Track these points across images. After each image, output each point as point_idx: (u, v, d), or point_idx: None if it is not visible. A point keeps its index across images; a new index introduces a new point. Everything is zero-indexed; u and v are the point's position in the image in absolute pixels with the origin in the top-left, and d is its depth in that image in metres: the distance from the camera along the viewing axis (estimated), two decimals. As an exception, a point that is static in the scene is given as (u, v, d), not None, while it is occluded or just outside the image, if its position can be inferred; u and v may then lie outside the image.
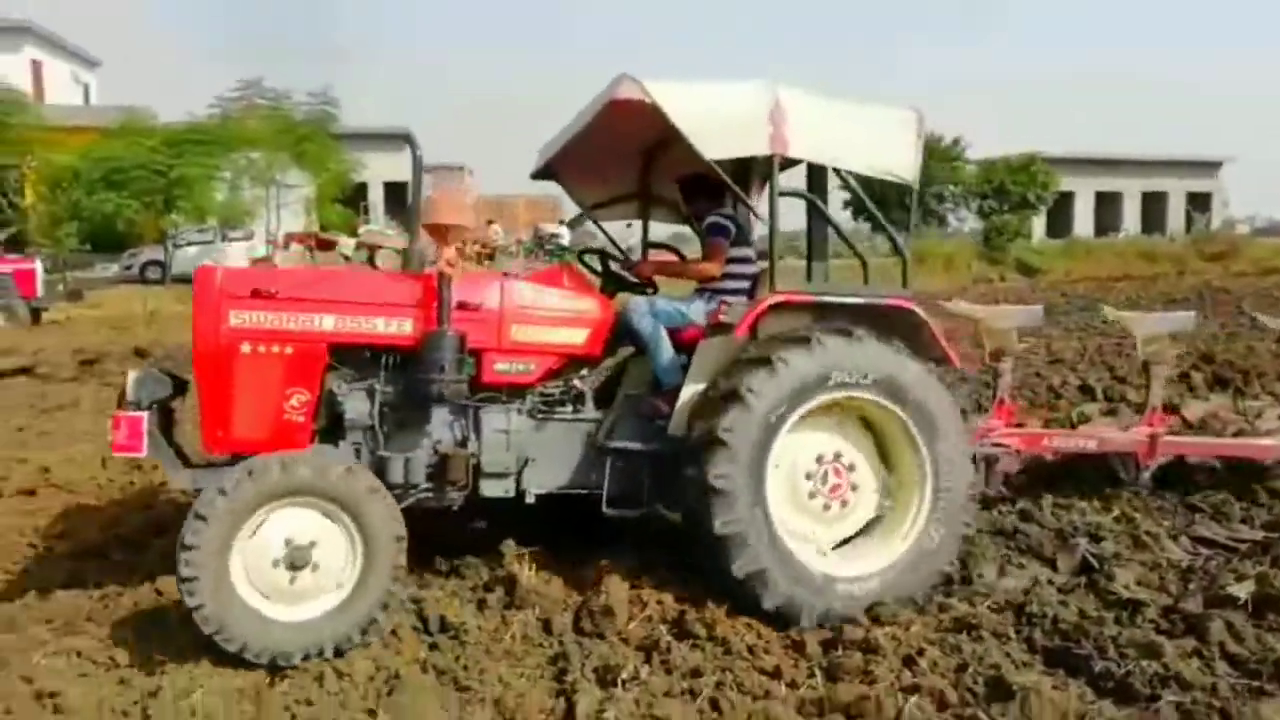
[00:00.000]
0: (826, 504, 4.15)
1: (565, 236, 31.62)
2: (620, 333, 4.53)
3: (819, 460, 4.13)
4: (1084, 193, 46.67)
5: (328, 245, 36.27)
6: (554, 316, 4.30)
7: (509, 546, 4.39)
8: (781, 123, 4.01)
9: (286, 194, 29.55)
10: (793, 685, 3.44)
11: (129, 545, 4.85)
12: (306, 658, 3.50)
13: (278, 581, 3.54)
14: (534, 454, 4.26)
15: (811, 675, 3.51)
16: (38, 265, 20.32)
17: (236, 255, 28.94)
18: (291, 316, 3.93)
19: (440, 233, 3.96)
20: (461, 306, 4.05)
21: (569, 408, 4.35)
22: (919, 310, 4.26)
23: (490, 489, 4.19)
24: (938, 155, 38.71)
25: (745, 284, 4.66)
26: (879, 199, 4.50)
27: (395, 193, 41.00)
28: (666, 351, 4.42)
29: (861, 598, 3.97)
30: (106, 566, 4.54)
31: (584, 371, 4.45)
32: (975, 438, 5.20)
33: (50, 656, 3.62)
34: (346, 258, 35.09)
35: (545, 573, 4.28)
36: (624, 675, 3.46)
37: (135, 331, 16.78)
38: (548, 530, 4.58)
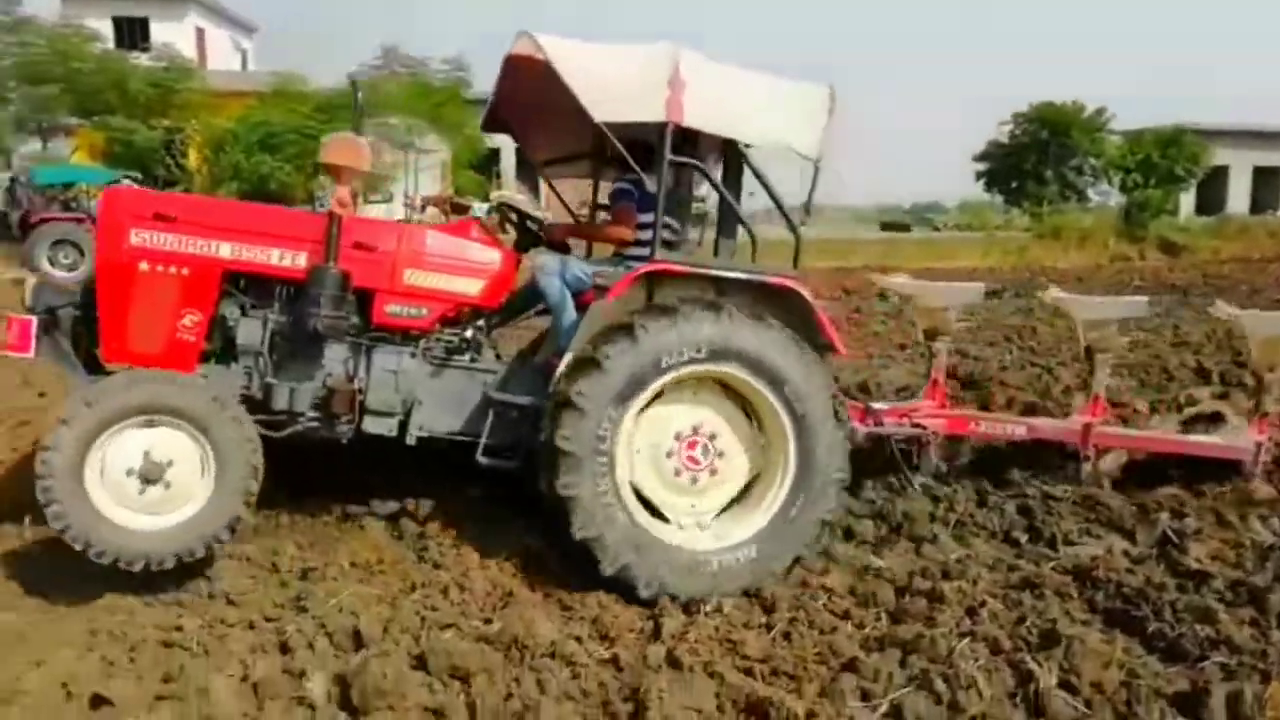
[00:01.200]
0: (695, 477, 4.25)
1: (480, 209, 31.84)
2: (531, 290, 4.72)
3: (677, 437, 4.21)
4: (1241, 167, 43.85)
5: (461, 209, 37.62)
6: (450, 265, 4.38)
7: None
8: (680, 90, 4.00)
9: (423, 159, 30.74)
10: (860, 626, 3.79)
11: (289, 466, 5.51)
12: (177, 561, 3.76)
13: (133, 494, 3.73)
14: (422, 397, 4.37)
15: (879, 619, 3.86)
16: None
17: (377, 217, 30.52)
18: (190, 240, 4.10)
19: (334, 172, 4.15)
20: (357, 246, 4.21)
21: (465, 356, 4.47)
22: (803, 290, 4.28)
23: (374, 426, 4.32)
24: (1079, 126, 37.17)
25: (644, 250, 4.51)
26: None
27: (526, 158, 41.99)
28: (569, 314, 4.52)
29: (739, 567, 4.07)
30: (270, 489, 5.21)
31: (480, 322, 4.57)
32: (898, 416, 5.31)
33: (224, 560, 4.30)
34: (520, 221, 36.35)
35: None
36: (707, 606, 3.89)
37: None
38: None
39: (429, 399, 4.39)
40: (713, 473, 4.26)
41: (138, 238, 4.08)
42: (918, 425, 5.33)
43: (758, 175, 4.45)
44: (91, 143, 27.27)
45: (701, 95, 4.05)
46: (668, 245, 4.60)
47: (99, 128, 27.08)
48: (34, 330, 4.00)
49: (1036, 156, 37.94)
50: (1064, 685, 3.18)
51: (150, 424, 3.76)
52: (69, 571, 3.84)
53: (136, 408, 3.73)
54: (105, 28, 33.23)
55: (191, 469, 3.81)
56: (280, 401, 4.20)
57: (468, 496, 4.92)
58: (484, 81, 31.82)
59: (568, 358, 4.11)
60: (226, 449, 3.80)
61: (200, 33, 38.62)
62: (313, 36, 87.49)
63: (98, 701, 3.06)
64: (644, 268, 4.17)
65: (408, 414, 4.37)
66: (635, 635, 3.71)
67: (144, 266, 4.07)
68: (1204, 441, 5.57)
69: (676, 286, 4.20)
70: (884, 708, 3.12)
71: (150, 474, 3.75)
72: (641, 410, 4.12)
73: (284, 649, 3.44)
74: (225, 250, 4.15)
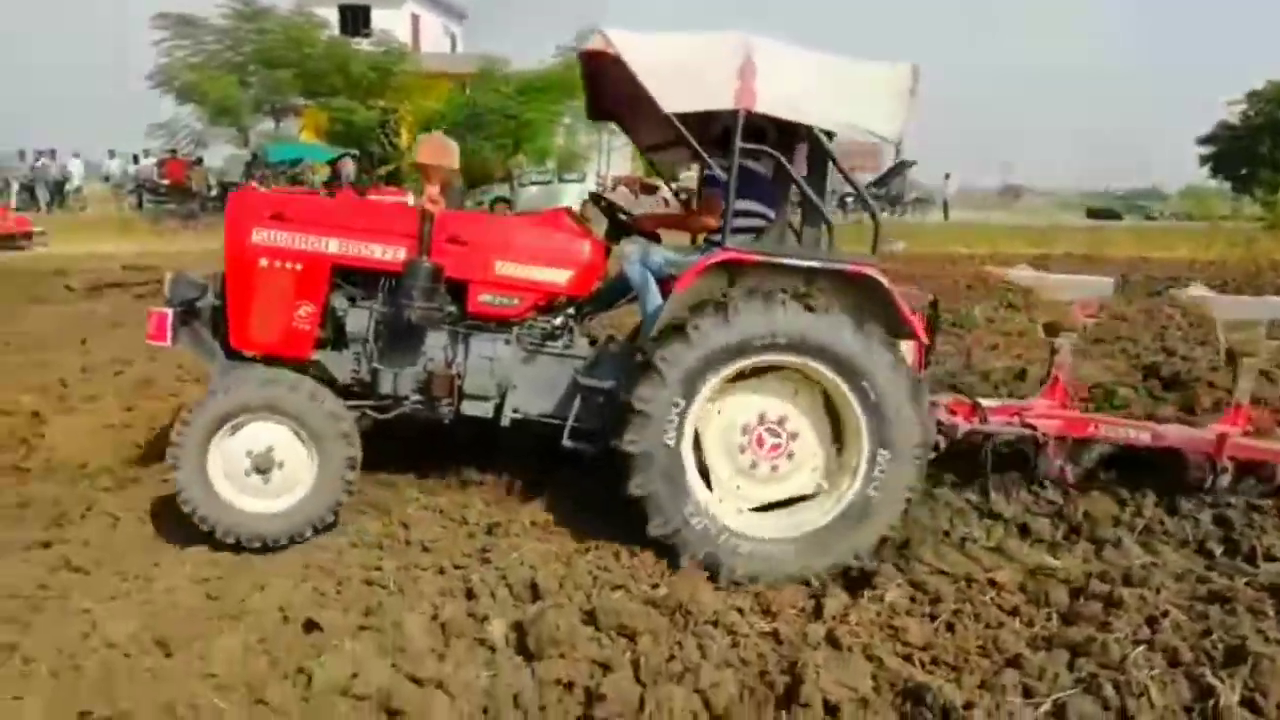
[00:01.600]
0: (754, 462, 4.25)
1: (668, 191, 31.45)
2: (621, 279, 4.78)
3: (761, 419, 4.23)
4: None
5: (650, 189, 38.24)
6: (540, 255, 4.55)
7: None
8: (751, 76, 3.96)
9: (616, 139, 31.42)
10: (1028, 623, 3.71)
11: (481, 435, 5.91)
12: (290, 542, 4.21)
13: (249, 480, 4.19)
14: (516, 381, 4.57)
15: (1049, 619, 3.76)
16: (409, 198, 23.43)
17: (571, 196, 31.47)
18: (303, 238, 4.42)
19: (425, 172, 4.32)
20: (452, 240, 4.44)
21: (557, 342, 4.62)
22: (880, 277, 4.14)
23: (471, 409, 4.56)
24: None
25: (748, 237, 4.60)
26: None
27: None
28: (654, 299, 4.56)
29: (766, 558, 4.08)
30: (462, 452, 5.60)
31: (571, 310, 4.69)
32: (1008, 415, 5.04)
33: (418, 509, 4.69)
34: (667, 202, 36.93)
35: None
36: (869, 590, 3.92)
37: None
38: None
39: (523, 384, 4.59)
40: (774, 468, 4.28)
41: (258, 236, 4.42)
42: (1028, 425, 5.05)
43: (834, 160, 4.35)
44: (316, 122, 29.52)
45: (774, 81, 4.01)
46: (758, 232, 4.64)
47: (323, 108, 29.24)
48: (170, 322, 4.36)
49: (1272, 140, 34.60)
50: (1247, 704, 3.02)
51: (263, 419, 4.19)
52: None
53: (249, 406, 4.18)
54: (332, 15, 35.79)
55: (298, 461, 4.23)
56: (385, 386, 4.51)
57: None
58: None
59: (656, 326, 4.20)
60: (326, 444, 4.21)
61: (415, 19, 40.90)
62: (519, 18, 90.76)
63: (310, 626, 3.45)
64: (713, 257, 4.18)
65: (502, 398, 4.58)
66: (796, 613, 3.79)
67: (264, 262, 4.42)
68: None
69: (755, 275, 4.19)
70: (1047, 706, 3.06)
71: (262, 464, 4.19)
72: (734, 384, 4.21)
73: (469, 594, 3.75)
74: (333, 246, 4.45)
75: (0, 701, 2.96)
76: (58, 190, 28.84)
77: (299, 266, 4.44)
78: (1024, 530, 4.68)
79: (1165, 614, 3.67)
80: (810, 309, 4.07)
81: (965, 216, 34.34)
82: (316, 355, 4.57)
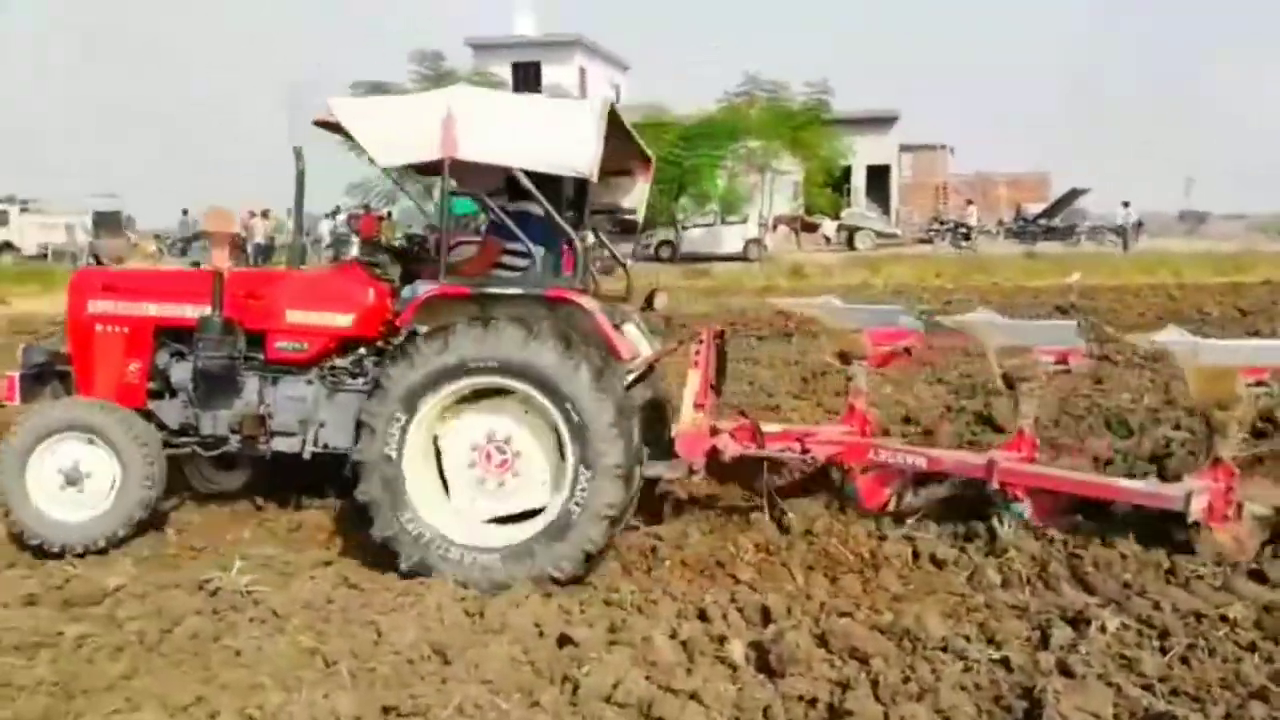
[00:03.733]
0: (484, 477, 4.60)
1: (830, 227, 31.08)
2: None
3: (489, 437, 4.58)
4: None
5: (811, 228, 38.34)
6: (326, 302, 5.04)
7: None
8: (452, 127, 4.39)
9: (779, 179, 31.71)
10: (1268, 659, 3.66)
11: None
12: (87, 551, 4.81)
13: (61, 492, 4.84)
14: (319, 417, 5.01)
15: (1294, 656, 3.69)
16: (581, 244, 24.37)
17: (731, 238, 31.93)
18: (127, 305, 5.17)
19: (213, 239, 5.07)
20: (249, 295, 5.05)
21: (356, 380, 5.00)
22: (582, 301, 4.54)
23: (281, 445, 5.04)
24: None
25: (515, 274, 5.04)
26: None
27: (876, 176, 41.75)
28: None
29: (476, 566, 4.44)
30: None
31: (362, 350, 5.10)
32: (788, 440, 5.24)
33: (640, 538, 5.05)
34: (828, 239, 36.87)
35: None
36: (1096, 623, 3.95)
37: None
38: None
39: (327, 419, 5.03)
40: (500, 484, 4.62)
41: (94, 306, 5.21)
42: (806, 450, 5.21)
43: (538, 199, 4.66)
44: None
45: (474, 129, 4.47)
46: (511, 269, 5.11)
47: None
48: (18, 384, 5.20)
49: None
50: None
51: (77, 438, 4.87)
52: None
53: (64, 423, 4.90)
54: (505, 73, 37.81)
55: (105, 476, 4.86)
56: (207, 428, 5.13)
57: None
58: (843, 102, 32.27)
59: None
60: (130, 462, 4.83)
61: (582, 72, 42.68)
62: (679, 68, 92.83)
63: (564, 640, 3.81)
64: (426, 293, 4.61)
65: (307, 434, 5.04)
66: (1022, 642, 3.87)
67: (99, 328, 5.19)
68: (1127, 487, 4.84)
69: (491, 304, 4.60)
70: (1300, 740, 3.06)
71: (72, 477, 4.86)
72: (461, 407, 4.61)
73: (702, 616, 4.03)
74: (153, 310, 5.21)
75: (313, 698, 3.42)
76: (266, 249, 31.56)
77: (127, 329, 5.19)
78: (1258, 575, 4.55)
79: None
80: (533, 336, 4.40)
81: (1150, 246, 32.73)
82: (150, 405, 5.22)
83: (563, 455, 4.49)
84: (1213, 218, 47.97)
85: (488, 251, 5.23)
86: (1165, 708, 3.18)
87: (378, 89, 30.55)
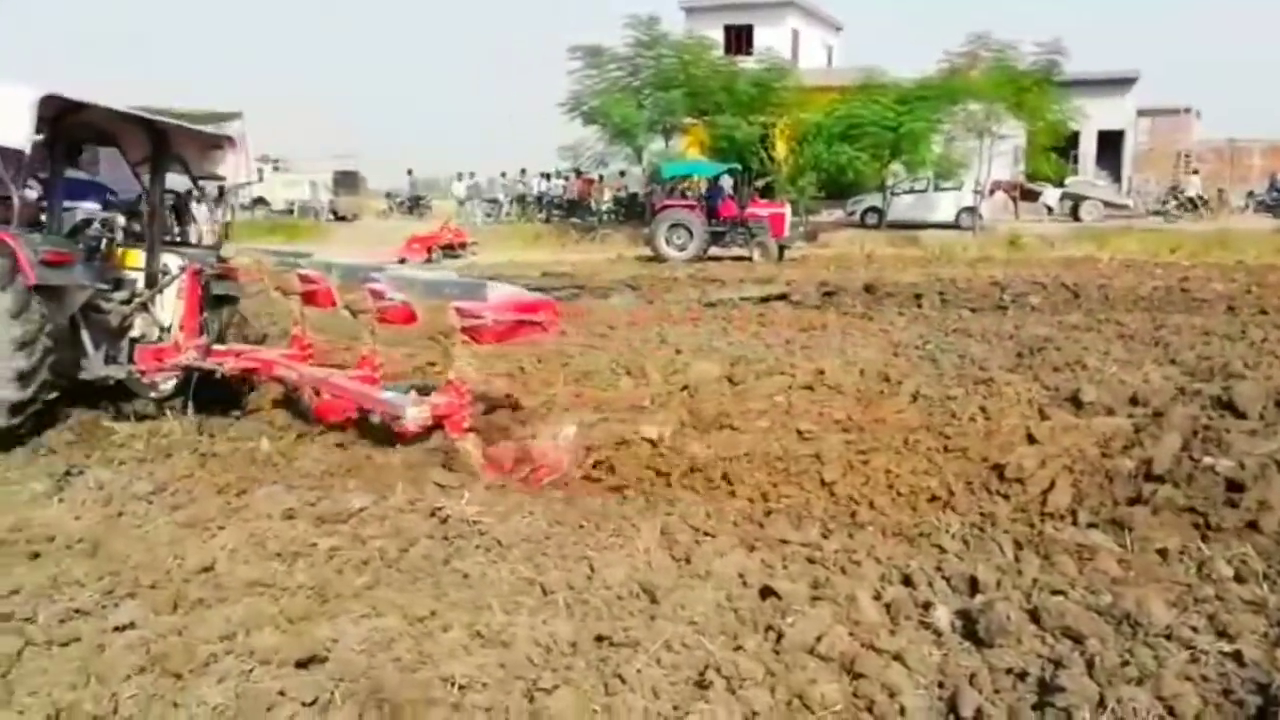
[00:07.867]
0: None
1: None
2: None
3: None
4: None
5: (1031, 195, 36.02)
6: None
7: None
8: None
9: (999, 143, 30.06)
10: None
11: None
12: None
13: None
14: None
15: None
16: (787, 209, 24.21)
17: (944, 205, 30.63)
18: None
19: None
20: None
21: None
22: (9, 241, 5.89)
23: None
24: None
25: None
26: None
27: (1109, 141, 38.81)
28: None
29: None
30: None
31: None
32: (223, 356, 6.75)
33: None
34: (1049, 209, 34.57)
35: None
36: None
37: (857, 270, 19.13)
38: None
39: None
40: None
41: None
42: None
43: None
44: (700, 139, 31.25)
45: None
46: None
47: (708, 125, 30.89)
48: None
49: None
50: None
51: None
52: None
53: None
54: (718, 35, 37.68)
55: None
56: None
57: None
58: (1077, 64, 30.15)
59: None
60: None
61: (795, 34, 41.88)
62: (895, 28, 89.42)
63: (766, 592, 3.90)
64: None
65: None
66: (1259, 637, 3.62)
67: None
68: (369, 394, 5.99)
69: None
70: None
71: None
72: None
73: (906, 581, 4.02)
74: None
75: (533, 622, 3.68)
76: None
77: None
78: None
79: None
80: None
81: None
82: None
83: None
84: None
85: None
86: None
87: (594, 53, 31.33)
